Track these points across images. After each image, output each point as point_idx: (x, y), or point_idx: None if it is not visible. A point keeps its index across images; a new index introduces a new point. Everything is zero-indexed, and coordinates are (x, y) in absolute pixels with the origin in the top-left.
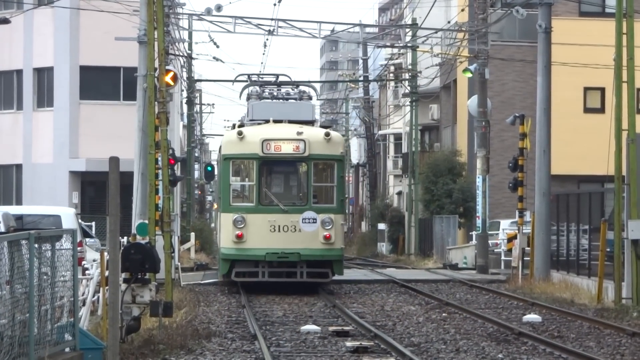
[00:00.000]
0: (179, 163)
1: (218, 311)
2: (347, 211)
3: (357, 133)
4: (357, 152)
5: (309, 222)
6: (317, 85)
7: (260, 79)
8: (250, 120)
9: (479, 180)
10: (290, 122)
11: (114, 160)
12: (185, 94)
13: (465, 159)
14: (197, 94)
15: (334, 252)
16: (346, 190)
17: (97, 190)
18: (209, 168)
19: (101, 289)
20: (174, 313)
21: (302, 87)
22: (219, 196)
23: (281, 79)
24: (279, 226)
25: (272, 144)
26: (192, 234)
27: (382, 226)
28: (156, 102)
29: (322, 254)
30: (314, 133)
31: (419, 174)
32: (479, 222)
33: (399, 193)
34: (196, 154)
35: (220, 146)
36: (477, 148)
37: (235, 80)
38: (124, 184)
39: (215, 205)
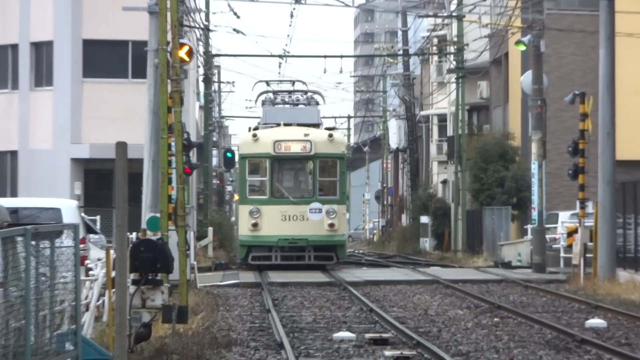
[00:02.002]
0: (195, 149)
1: (239, 316)
2: (347, 202)
3: (396, 114)
4: (396, 135)
5: (315, 212)
6: (351, 60)
7: (277, 86)
8: (264, 123)
9: (534, 167)
10: (299, 125)
11: (122, 146)
12: (201, 70)
13: (519, 142)
14: (215, 71)
15: (337, 238)
16: (347, 184)
17: (103, 180)
18: (229, 154)
19: (107, 291)
20: (190, 319)
21: (310, 94)
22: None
23: (297, 85)
24: (289, 216)
25: (282, 144)
26: (210, 229)
27: (424, 219)
28: (169, 80)
29: (327, 239)
30: (319, 134)
31: (467, 160)
32: (534, 214)
33: (444, 182)
34: (214, 139)
35: (238, 147)
36: (532, 130)
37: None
38: (133, 172)
39: (236, 197)
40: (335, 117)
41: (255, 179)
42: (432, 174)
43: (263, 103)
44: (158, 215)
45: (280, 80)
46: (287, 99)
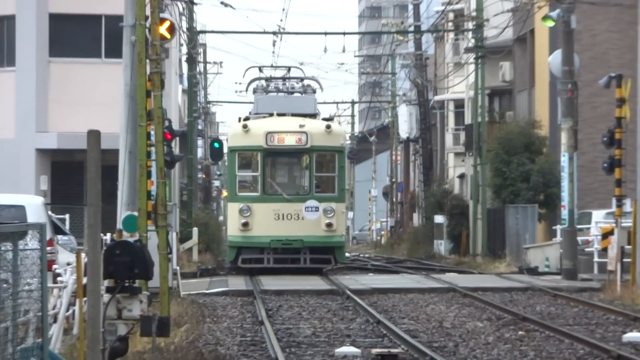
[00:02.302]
0: (178, 138)
1: (228, 329)
2: (347, 200)
3: (406, 99)
4: (406, 123)
5: (312, 211)
6: (355, 38)
7: (272, 72)
8: (256, 113)
9: (564, 160)
10: (294, 115)
11: (94, 135)
12: (185, 49)
13: (547, 132)
14: (201, 50)
15: (335, 239)
16: (347, 180)
17: (73, 174)
18: (216, 145)
19: (77, 300)
20: (172, 331)
21: (306, 81)
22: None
23: (293, 72)
24: (283, 214)
25: (275, 136)
26: (195, 230)
27: (439, 219)
28: (148, 60)
29: (324, 240)
30: (316, 125)
31: (487, 152)
32: (564, 213)
33: (461, 176)
34: (200, 127)
35: (227, 139)
36: (562, 118)
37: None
38: (107, 165)
39: (225, 193)
40: (337, 103)
41: (246, 174)
42: (448, 167)
43: (255, 91)
44: (136, 213)
45: (274, 66)
46: (281, 87)
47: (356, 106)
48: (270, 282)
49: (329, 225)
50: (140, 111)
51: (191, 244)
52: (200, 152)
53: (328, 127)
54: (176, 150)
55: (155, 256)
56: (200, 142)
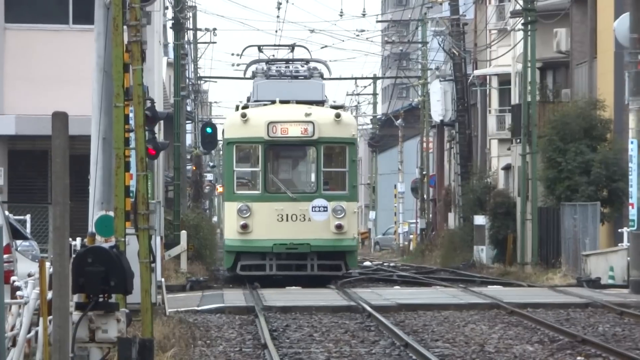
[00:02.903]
0: (162, 122)
1: (224, 354)
2: (364, 197)
3: (440, 74)
4: (439, 103)
5: (320, 211)
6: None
7: (272, 51)
8: (255, 100)
9: (632, 148)
10: (299, 102)
11: (60, 118)
12: (170, 13)
13: (611, 113)
14: (190, 14)
15: (346, 243)
16: (358, 176)
17: (34, 165)
18: (209, 129)
19: (41, 319)
20: (156, 357)
21: (312, 64)
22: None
23: (297, 52)
24: (287, 215)
25: (278, 126)
26: (183, 234)
27: (480, 220)
28: (125, 27)
29: (333, 244)
30: (324, 114)
31: (539, 138)
32: (633, 212)
33: (507, 168)
34: (189, 108)
35: (223, 130)
36: (630, 97)
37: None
38: (77, 154)
39: (219, 189)
40: (355, 78)
41: (245, 169)
42: (490, 157)
43: (254, 75)
44: (111, 214)
45: (277, 46)
46: (284, 70)
47: (379, 83)
48: (274, 297)
49: (339, 227)
50: (116, 89)
51: (179, 251)
52: (189, 139)
53: (337, 115)
54: (160, 136)
55: (135, 265)
56: (189, 126)
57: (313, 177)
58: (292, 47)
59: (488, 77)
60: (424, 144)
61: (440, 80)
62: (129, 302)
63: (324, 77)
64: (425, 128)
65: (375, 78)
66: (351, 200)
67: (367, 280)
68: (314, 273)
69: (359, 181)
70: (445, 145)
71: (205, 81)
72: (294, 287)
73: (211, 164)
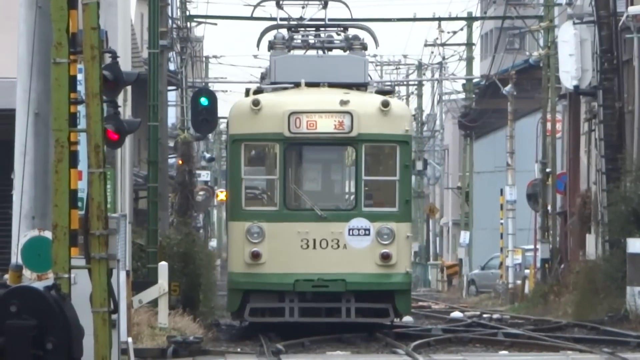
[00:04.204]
0: (130, 88)
1: None
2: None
3: (574, 12)
4: (573, 59)
5: (359, 234)
6: None
7: (296, 9)
8: (273, 82)
9: None
10: (331, 85)
11: None
12: None
13: None
14: None
15: (396, 279)
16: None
17: None
18: (204, 100)
19: None
20: None
21: (352, 31)
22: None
23: (331, 12)
24: (314, 240)
25: (303, 118)
26: (163, 266)
27: (637, 245)
28: None
29: (378, 281)
30: (366, 102)
31: None
32: None
33: None
34: (172, 66)
35: (228, 122)
36: None
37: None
38: None
39: (219, 195)
40: (439, 19)
41: (258, 177)
42: None
43: (272, 47)
44: (48, 234)
45: (303, 3)
46: (312, 40)
47: (475, 26)
48: None
49: (386, 256)
50: (56, 36)
51: (156, 294)
52: (172, 116)
53: (385, 104)
54: (127, 111)
55: (86, 317)
56: (172, 95)
57: (351, 188)
58: (324, 2)
59: None
60: (548, 125)
61: (574, 23)
62: None
63: (367, 49)
64: (550, 99)
65: (469, 19)
66: (403, 221)
67: (456, 340)
68: (350, 320)
69: (415, 191)
70: (583, 126)
71: (199, 23)
72: (337, 352)
73: (207, 155)
